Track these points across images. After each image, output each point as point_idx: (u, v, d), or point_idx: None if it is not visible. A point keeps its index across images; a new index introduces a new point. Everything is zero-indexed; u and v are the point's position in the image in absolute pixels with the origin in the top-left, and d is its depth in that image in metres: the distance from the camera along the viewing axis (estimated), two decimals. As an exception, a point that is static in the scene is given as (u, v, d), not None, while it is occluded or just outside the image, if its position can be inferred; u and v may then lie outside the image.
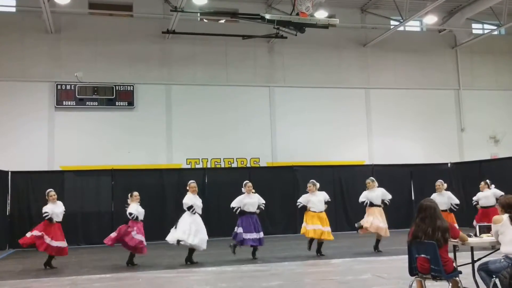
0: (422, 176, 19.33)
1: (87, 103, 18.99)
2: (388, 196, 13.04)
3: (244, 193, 12.26)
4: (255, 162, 20.20)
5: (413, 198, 19.26)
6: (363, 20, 22.06)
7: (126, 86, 19.40)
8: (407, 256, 6.25)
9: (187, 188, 11.91)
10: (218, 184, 17.34)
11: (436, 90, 22.62)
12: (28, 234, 11.69)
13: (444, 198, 12.70)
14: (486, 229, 6.78)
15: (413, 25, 23.10)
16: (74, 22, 19.33)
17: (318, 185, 12.51)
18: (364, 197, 13.03)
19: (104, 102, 19.13)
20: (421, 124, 22.00)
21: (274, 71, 21.08)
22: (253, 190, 12.38)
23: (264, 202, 12.36)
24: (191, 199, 11.72)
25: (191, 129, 19.81)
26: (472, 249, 6.70)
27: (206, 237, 11.70)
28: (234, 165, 19.95)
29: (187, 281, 9.35)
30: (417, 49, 22.56)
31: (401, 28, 21.33)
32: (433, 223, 5.96)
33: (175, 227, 11.57)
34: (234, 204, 12.13)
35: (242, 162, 20.08)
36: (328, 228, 12.28)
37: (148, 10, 20.02)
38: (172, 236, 11.49)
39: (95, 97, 19.03)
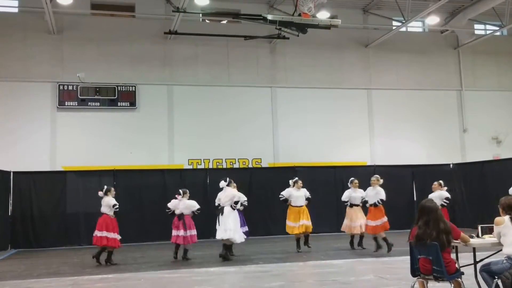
0: (424, 177, 19.26)
1: (89, 103, 19.00)
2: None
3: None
4: (257, 163, 20.20)
5: (415, 199, 19.24)
6: (365, 21, 22.05)
7: (128, 87, 19.42)
8: (409, 257, 6.24)
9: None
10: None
11: (438, 90, 22.60)
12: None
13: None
14: (488, 230, 6.76)
15: (415, 26, 23.09)
16: (76, 22, 19.35)
17: (300, 182, 13.58)
18: (346, 197, 13.90)
19: (106, 102, 19.15)
20: (423, 125, 21.98)
21: (276, 72, 21.07)
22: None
23: (246, 199, 12.90)
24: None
25: (193, 129, 19.82)
26: (474, 250, 6.70)
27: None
28: (236, 165, 19.95)
29: (189, 282, 9.35)
30: (419, 50, 22.53)
31: (403, 29, 21.31)
32: (436, 226, 5.93)
33: (219, 223, 12.03)
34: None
35: (244, 163, 20.08)
36: (309, 222, 13.22)
37: (150, 10, 20.02)
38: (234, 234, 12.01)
39: (97, 98, 19.04)
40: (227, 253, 12.05)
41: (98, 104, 19.08)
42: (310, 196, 13.61)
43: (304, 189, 13.58)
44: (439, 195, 13.27)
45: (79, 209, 16.75)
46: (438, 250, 5.82)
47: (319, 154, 20.48)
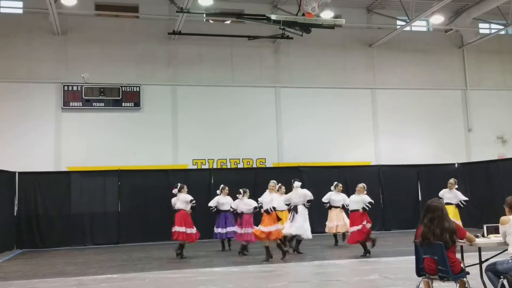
0: (429, 177, 19.27)
1: (93, 104, 19.04)
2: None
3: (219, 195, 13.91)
4: (261, 163, 20.19)
5: (420, 198, 19.17)
6: (369, 20, 22.01)
7: (132, 87, 19.44)
8: (414, 256, 6.22)
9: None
10: (224, 184, 17.28)
11: (443, 90, 22.53)
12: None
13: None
14: (494, 230, 6.74)
15: (419, 25, 23.02)
16: (80, 23, 19.39)
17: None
18: (326, 199, 14.56)
19: (110, 103, 19.18)
20: (428, 124, 21.92)
21: (280, 72, 21.06)
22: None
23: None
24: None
25: (197, 129, 19.84)
26: (479, 250, 6.67)
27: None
28: (240, 165, 19.95)
29: (194, 282, 9.35)
30: (424, 49, 22.48)
31: (408, 28, 21.27)
32: (441, 224, 5.92)
33: (291, 220, 12.66)
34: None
35: (248, 163, 20.08)
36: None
37: (154, 11, 20.05)
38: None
39: (102, 98, 19.08)
40: (298, 247, 12.80)
41: (103, 104, 19.12)
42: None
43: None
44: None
45: (84, 209, 16.82)
46: (444, 250, 5.79)
47: (324, 154, 20.46)
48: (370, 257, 11.88)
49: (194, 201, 12.61)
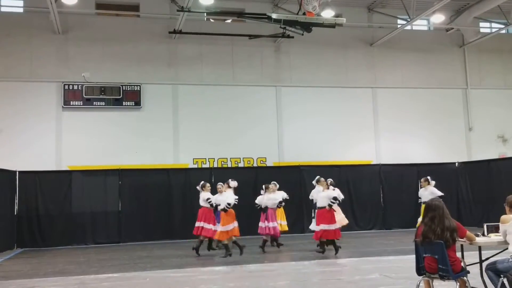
0: (430, 176, 19.18)
1: (94, 103, 19.04)
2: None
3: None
4: (262, 162, 20.19)
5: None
6: (370, 19, 22.00)
7: (133, 86, 19.45)
8: (414, 255, 6.23)
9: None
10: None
11: (444, 89, 22.52)
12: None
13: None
14: (494, 229, 6.74)
15: (420, 24, 22.99)
16: (81, 22, 19.39)
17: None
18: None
19: (111, 102, 19.18)
20: (428, 124, 21.91)
21: (280, 71, 21.06)
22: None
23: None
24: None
25: (197, 128, 19.84)
26: (480, 249, 6.67)
27: None
28: (241, 165, 19.95)
29: (195, 281, 9.35)
30: (425, 48, 22.46)
31: (408, 27, 21.25)
32: (441, 223, 5.92)
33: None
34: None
35: (248, 162, 20.08)
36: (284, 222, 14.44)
37: (154, 10, 20.04)
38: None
39: (102, 97, 19.08)
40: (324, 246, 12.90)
41: (103, 103, 19.12)
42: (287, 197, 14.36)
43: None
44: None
45: (85, 208, 16.83)
46: (444, 249, 5.80)
47: (324, 153, 20.46)
48: (372, 255, 11.88)
49: (210, 200, 12.82)
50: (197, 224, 12.95)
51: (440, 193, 13.04)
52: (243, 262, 11.38)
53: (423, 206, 12.69)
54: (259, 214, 13.71)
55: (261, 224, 13.44)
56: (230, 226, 12.04)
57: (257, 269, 10.49)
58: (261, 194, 13.72)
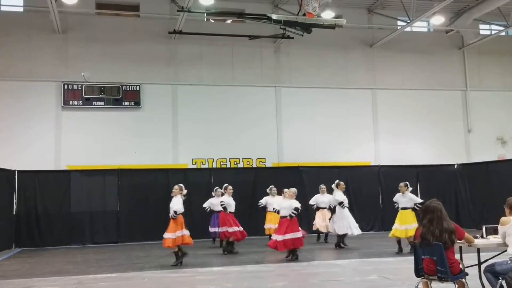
0: (429, 177, 19.30)
1: (93, 102, 19.04)
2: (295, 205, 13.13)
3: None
4: (261, 163, 20.19)
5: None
6: (370, 21, 22.01)
7: (132, 86, 19.44)
8: (413, 257, 6.22)
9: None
10: (224, 184, 17.29)
11: (443, 91, 22.53)
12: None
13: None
14: (493, 231, 6.74)
15: (420, 26, 23.02)
16: (81, 22, 19.39)
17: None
18: (313, 201, 15.68)
19: (110, 102, 19.18)
20: (428, 125, 21.92)
21: (280, 72, 21.06)
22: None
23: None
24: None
25: (197, 129, 19.83)
26: (478, 251, 6.67)
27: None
28: (240, 165, 19.94)
29: (192, 281, 9.35)
30: (424, 50, 22.48)
31: (408, 29, 21.26)
32: (440, 224, 5.93)
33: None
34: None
35: (248, 163, 20.07)
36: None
37: (154, 10, 20.04)
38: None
39: (102, 97, 19.08)
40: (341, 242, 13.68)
41: (103, 103, 19.12)
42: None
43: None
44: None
45: (84, 208, 16.82)
46: (443, 250, 5.80)
47: (324, 154, 20.46)
48: (371, 257, 11.88)
49: (223, 203, 13.11)
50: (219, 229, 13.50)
51: (419, 200, 12.82)
52: (242, 262, 11.38)
53: (401, 212, 12.69)
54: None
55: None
56: (178, 233, 11.36)
57: (255, 270, 10.49)
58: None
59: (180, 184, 11.89)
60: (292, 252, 11.87)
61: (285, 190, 12.82)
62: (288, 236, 11.66)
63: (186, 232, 11.49)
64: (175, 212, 11.40)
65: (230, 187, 13.54)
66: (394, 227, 12.62)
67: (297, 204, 11.85)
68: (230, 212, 13.11)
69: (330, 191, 14.85)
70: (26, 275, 10.53)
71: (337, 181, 14.20)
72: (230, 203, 13.19)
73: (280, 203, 12.47)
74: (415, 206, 12.62)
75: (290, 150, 20.43)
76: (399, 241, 12.50)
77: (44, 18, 18.51)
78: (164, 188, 17.47)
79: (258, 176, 18.03)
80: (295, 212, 11.76)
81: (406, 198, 12.76)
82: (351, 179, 18.81)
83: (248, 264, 11.12)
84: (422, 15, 19.02)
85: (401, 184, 12.97)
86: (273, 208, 13.55)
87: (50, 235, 16.37)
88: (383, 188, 19.17)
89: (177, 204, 11.47)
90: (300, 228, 12.02)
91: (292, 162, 19.70)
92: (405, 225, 12.33)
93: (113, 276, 10.10)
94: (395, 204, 13.00)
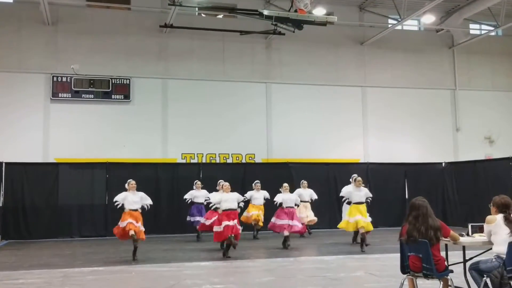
0: (417, 175, 19.44)
1: (83, 95, 18.92)
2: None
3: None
4: (250, 158, 20.20)
5: (406, 197, 19.29)
6: (361, 18, 22.05)
7: (122, 80, 19.35)
8: (399, 254, 6.28)
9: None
10: (213, 179, 17.22)
11: (433, 89, 22.65)
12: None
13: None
14: (479, 229, 6.81)
15: (410, 24, 23.09)
16: (71, 14, 19.25)
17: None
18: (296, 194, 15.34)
19: (100, 95, 19.07)
20: (416, 123, 22.04)
21: (271, 68, 21.06)
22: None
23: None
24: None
25: (186, 123, 19.79)
26: (464, 249, 6.74)
27: None
28: (229, 160, 19.95)
29: (180, 276, 9.35)
30: (415, 49, 22.57)
31: (399, 27, 21.32)
32: (425, 222, 5.99)
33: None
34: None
35: (237, 158, 20.08)
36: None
37: (146, 3, 19.93)
38: None
39: (91, 90, 18.97)
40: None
41: (92, 96, 19.01)
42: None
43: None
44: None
45: (71, 201, 16.75)
46: (428, 248, 5.86)
47: (313, 150, 20.51)
48: (358, 253, 11.95)
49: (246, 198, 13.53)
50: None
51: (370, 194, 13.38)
52: (229, 258, 11.38)
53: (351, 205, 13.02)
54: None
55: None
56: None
57: (242, 265, 10.52)
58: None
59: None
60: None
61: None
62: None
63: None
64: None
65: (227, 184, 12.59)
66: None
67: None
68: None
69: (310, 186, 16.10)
70: (12, 267, 10.49)
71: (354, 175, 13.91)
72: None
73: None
74: (367, 200, 13.25)
75: (279, 146, 20.46)
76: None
77: (34, 10, 18.34)
78: (153, 183, 17.49)
79: (248, 172, 18.05)
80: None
81: (362, 192, 13.18)
82: (340, 176, 18.83)
83: (235, 260, 11.14)
84: (413, 13, 19.09)
85: (359, 178, 13.43)
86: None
87: (38, 228, 16.28)
88: (371, 185, 19.20)
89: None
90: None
91: (282, 158, 19.74)
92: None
93: (100, 269, 10.09)
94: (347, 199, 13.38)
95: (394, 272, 7.53)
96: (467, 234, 6.85)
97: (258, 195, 15.19)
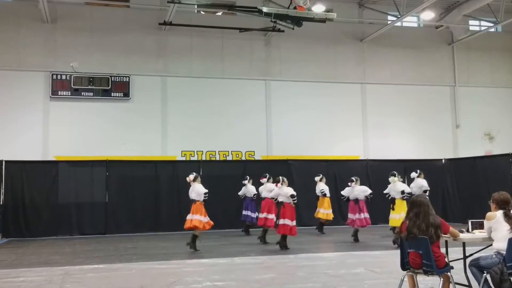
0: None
1: (82, 93, 18.92)
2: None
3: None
4: (250, 155, 20.20)
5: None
6: (360, 15, 22.03)
7: (121, 77, 19.34)
8: (399, 250, 6.28)
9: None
10: (213, 176, 17.25)
11: (432, 86, 22.65)
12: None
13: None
14: (479, 225, 6.81)
15: (410, 21, 23.06)
16: (70, 12, 19.22)
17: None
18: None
19: (99, 92, 19.06)
20: (416, 120, 22.04)
21: (270, 65, 21.04)
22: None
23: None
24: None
25: (186, 121, 19.78)
26: (464, 245, 6.75)
27: None
28: (229, 158, 19.95)
29: (180, 273, 9.35)
30: (414, 45, 22.56)
31: (398, 24, 21.28)
32: (426, 219, 5.99)
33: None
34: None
35: (237, 155, 20.08)
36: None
37: (145, 1, 19.89)
38: None
39: (91, 88, 18.96)
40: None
41: (91, 94, 19.00)
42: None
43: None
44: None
45: (71, 199, 16.75)
46: (428, 244, 5.86)
47: (312, 147, 20.51)
48: (358, 250, 11.96)
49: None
50: (261, 215, 13.76)
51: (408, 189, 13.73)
52: (229, 255, 11.40)
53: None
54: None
55: (352, 215, 14.09)
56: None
57: (243, 262, 10.52)
58: (348, 186, 14.41)
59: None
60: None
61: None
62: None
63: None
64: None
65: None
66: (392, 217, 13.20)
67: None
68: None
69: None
70: (12, 265, 10.49)
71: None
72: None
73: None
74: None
75: (279, 143, 20.46)
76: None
77: (33, 7, 18.32)
78: (153, 180, 17.52)
79: (247, 169, 18.03)
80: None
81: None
82: (339, 173, 18.85)
83: (235, 256, 11.15)
84: (412, 10, 19.08)
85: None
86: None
87: (37, 226, 16.28)
88: (371, 182, 19.21)
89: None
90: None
91: (281, 155, 19.74)
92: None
93: (100, 267, 10.09)
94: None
95: (394, 268, 7.54)
96: (467, 231, 6.86)
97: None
